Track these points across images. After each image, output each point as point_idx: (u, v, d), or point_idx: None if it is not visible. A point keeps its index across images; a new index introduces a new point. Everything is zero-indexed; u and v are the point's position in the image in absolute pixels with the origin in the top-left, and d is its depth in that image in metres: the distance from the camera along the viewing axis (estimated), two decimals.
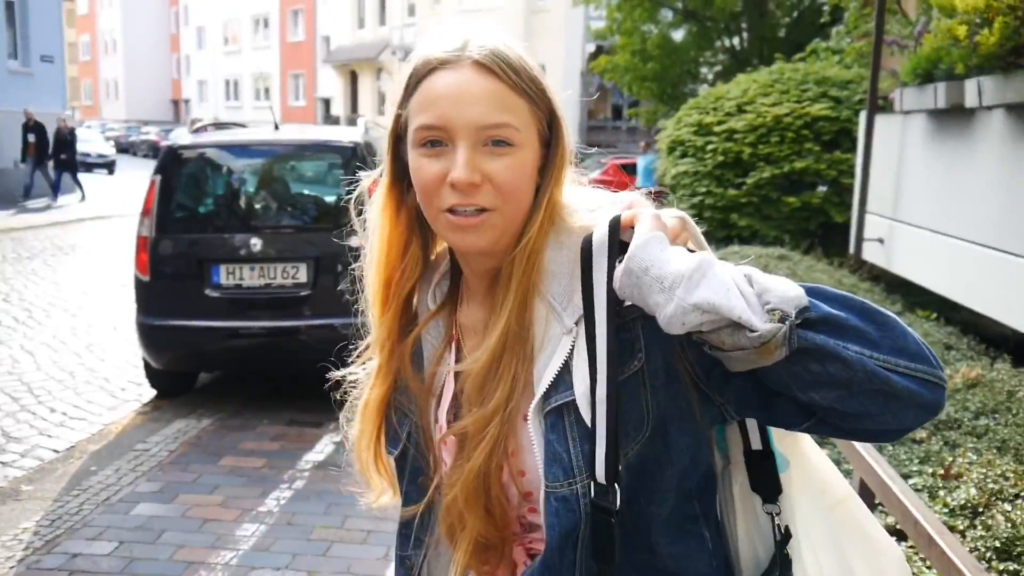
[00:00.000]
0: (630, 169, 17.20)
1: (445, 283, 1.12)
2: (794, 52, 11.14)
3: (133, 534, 3.64)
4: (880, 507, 2.56)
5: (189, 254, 5.19)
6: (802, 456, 1.09)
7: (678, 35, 15.43)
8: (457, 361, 1.09)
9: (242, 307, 5.16)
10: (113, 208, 17.24)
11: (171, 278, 5.23)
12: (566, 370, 0.97)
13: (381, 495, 1.21)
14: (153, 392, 5.67)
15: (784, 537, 1.05)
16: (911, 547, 2.47)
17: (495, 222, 0.98)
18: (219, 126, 6.69)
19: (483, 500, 1.03)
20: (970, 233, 5.30)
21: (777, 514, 1.06)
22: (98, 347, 6.83)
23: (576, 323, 0.97)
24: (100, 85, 60.36)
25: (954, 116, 5.40)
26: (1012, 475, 2.87)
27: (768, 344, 0.82)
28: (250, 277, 5.14)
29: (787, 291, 0.85)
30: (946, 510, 2.78)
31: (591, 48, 29.07)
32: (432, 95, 0.97)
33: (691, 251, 0.92)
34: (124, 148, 40.36)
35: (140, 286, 5.26)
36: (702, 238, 0.98)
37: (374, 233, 1.10)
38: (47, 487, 4.19)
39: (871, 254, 6.97)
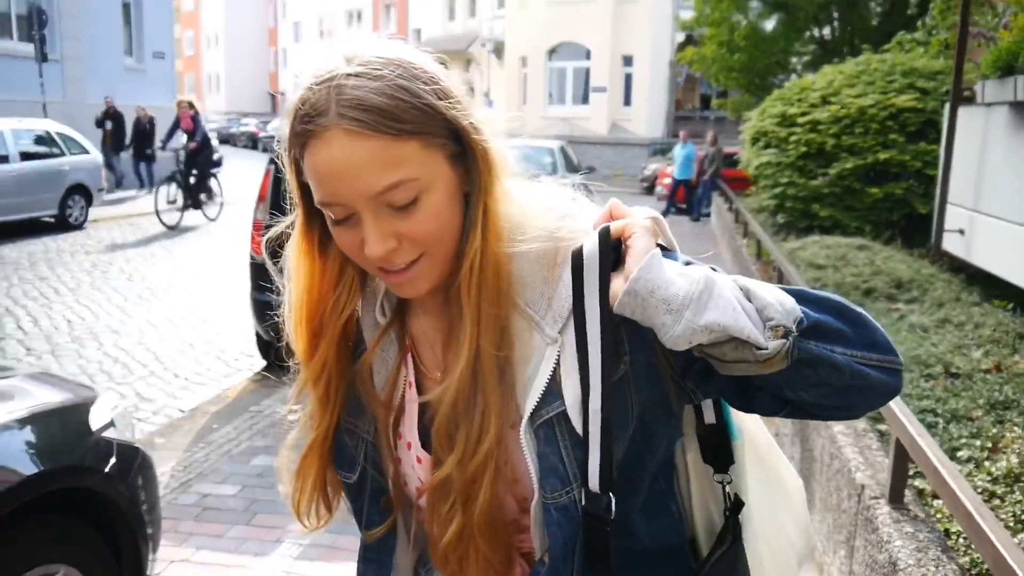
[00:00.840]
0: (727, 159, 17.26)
1: (392, 294, 1.05)
2: (885, 42, 11.09)
3: (253, 480, 4.15)
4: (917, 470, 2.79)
5: None
6: (745, 421, 1.13)
7: (768, 25, 15.41)
8: (416, 372, 1.07)
9: None
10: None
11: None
12: (553, 380, 0.95)
13: (317, 528, 1.14)
14: (263, 362, 6.23)
15: (735, 505, 1.08)
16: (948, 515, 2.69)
17: (426, 267, 0.94)
18: None
19: (495, 527, 1.01)
20: None
21: (728, 483, 1.08)
22: (213, 322, 7.47)
23: (560, 332, 0.96)
24: (203, 78, 62.97)
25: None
26: None
27: (772, 359, 0.85)
28: None
29: (783, 303, 0.87)
30: (989, 478, 3.00)
31: (680, 38, 28.98)
32: (316, 172, 0.90)
33: (663, 248, 0.94)
34: (225, 139, 42.07)
35: (255, 266, 5.81)
36: (671, 235, 0.98)
37: (294, 275, 1.03)
38: (176, 440, 4.75)
39: (951, 245, 7.02)
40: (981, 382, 3.90)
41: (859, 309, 0.93)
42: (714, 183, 15.48)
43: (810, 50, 14.97)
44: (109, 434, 2.39)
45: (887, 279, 6.37)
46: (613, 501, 0.94)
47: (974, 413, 3.68)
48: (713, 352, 0.87)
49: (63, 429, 2.26)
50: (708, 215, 16.14)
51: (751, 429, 1.14)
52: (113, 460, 2.36)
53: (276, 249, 1.07)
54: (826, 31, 14.74)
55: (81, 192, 13.07)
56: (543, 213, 0.99)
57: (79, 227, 12.83)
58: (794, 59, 15.73)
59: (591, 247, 0.92)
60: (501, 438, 0.97)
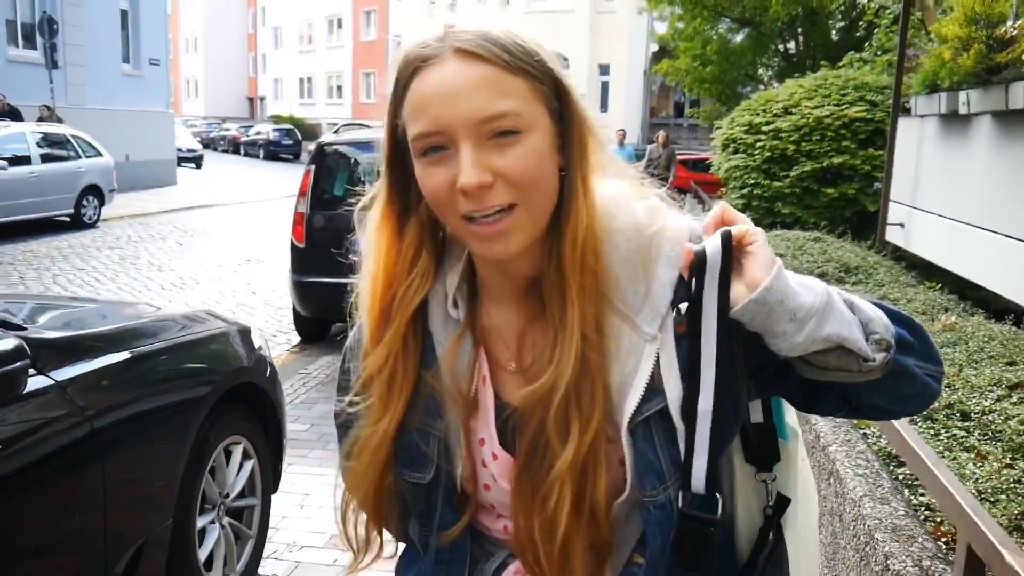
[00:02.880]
0: (690, 165, 18.25)
1: (464, 286, 1.02)
2: (843, 56, 12.21)
3: (319, 420, 5.08)
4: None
5: (337, 226, 6.64)
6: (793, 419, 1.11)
7: (738, 38, 16.53)
8: (491, 367, 1.02)
9: None
10: (211, 198, 19.12)
11: (321, 245, 6.68)
12: (652, 378, 0.92)
13: (374, 557, 1.11)
14: (298, 338, 7.15)
15: (778, 503, 1.05)
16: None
17: (521, 220, 0.90)
18: (352, 125, 8.12)
19: (596, 523, 0.96)
20: (965, 216, 6.43)
21: (772, 480, 1.05)
22: (245, 307, 8.36)
23: (660, 328, 0.93)
24: (181, 83, 63.36)
25: (953, 120, 6.55)
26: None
27: (874, 370, 0.88)
28: None
29: (881, 318, 0.91)
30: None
31: (654, 48, 30.17)
32: (421, 99, 0.89)
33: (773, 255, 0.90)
34: (205, 144, 42.63)
35: (296, 251, 6.74)
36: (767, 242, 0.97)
37: (372, 251, 1.00)
38: None
39: (893, 236, 8.10)
40: None
41: (919, 322, 0.97)
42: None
43: (776, 63, 16.13)
44: (263, 352, 3.33)
45: (837, 265, 7.41)
46: (720, 501, 0.92)
47: None
48: (817, 360, 0.88)
49: (241, 344, 3.18)
50: None
51: (798, 450, 1.11)
52: (269, 368, 3.31)
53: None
54: (791, 45, 15.90)
55: (95, 192, 13.85)
56: (632, 203, 0.97)
57: (93, 225, 13.62)
58: (762, 71, 16.87)
59: (714, 249, 0.89)
60: (598, 438, 0.93)
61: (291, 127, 41.38)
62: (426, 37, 0.91)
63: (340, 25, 49.72)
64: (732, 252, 0.89)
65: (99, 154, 14.13)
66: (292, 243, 6.77)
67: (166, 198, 18.56)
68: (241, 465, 3.11)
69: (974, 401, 3.65)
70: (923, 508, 3.20)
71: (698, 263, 0.90)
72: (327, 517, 3.78)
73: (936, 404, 3.71)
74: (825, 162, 9.38)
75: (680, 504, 0.93)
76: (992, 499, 3.06)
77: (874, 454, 3.34)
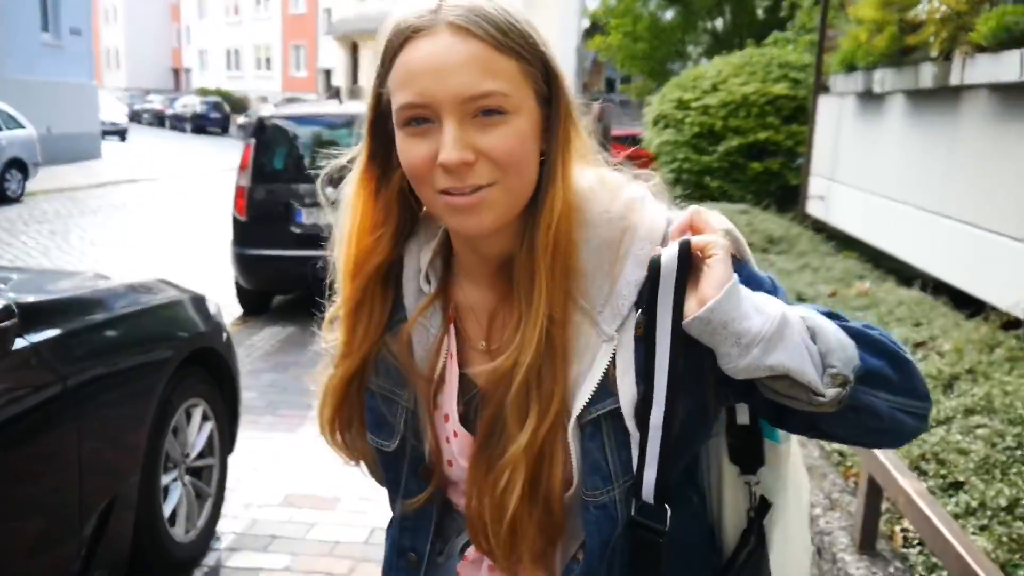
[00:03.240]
0: (625, 140, 18.56)
1: (438, 262, 1.03)
2: (769, 34, 12.61)
3: (266, 388, 5.20)
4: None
5: (278, 199, 6.70)
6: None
7: (667, 16, 16.86)
8: (459, 343, 1.03)
9: (320, 241, 6.67)
10: (139, 172, 18.74)
11: (262, 218, 6.73)
12: (606, 378, 0.92)
13: (352, 461, 1.16)
14: (240, 310, 7.20)
15: (760, 506, 1.05)
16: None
17: (496, 198, 0.89)
18: (291, 100, 8.15)
19: (549, 511, 0.97)
20: (879, 189, 6.84)
21: (755, 484, 1.05)
22: (185, 280, 8.32)
23: (617, 331, 0.92)
24: (101, 53, 61.14)
25: (869, 98, 6.93)
26: None
27: (824, 404, 0.85)
28: (325, 217, 6.66)
29: (845, 350, 0.86)
30: None
31: (586, 24, 30.40)
32: (409, 69, 0.88)
33: (734, 264, 0.89)
34: (130, 117, 41.45)
35: (237, 224, 6.77)
36: (746, 249, 0.96)
37: (348, 211, 1.02)
38: None
39: (814, 209, 8.51)
40: (821, 303, 5.28)
41: (908, 355, 0.92)
42: None
43: (704, 40, 16.52)
44: (218, 319, 3.45)
45: (762, 236, 7.78)
46: (669, 512, 0.92)
47: None
48: (767, 383, 0.86)
49: (198, 310, 3.29)
50: None
51: (790, 448, 1.10)
52: (225, 334, 3.43)
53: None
54: (719, 23, 16.30)
55: (18, 166, 13.48)
56: (610, 196, 0.96)
57: (17, 200, 13.27)
58: (691, 48, 17.24)
59: (669, 259, 0.88)
60: (554, 430, 0.93)
61: (219, 100, 40.45)
62: (419, 6, 0.89)
63: None
64: (689, 263, 0.88)
65: (21, 126, 13.75)
66: (234, 216, 6.80)
67: (92, 172, 18.10)
68: (201, 426, 3.24)
69: None
70: (836, 454, 3.53)
71: (653, 270, 0.89)
72: (279, 478, 3.94)
73: None
74: (751, 137, 9.77)
75: (632, 511, 0.93)
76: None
77: None
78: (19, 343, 2.20)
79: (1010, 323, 4.46)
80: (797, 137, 9.57)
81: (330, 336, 1.09)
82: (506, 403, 0.94)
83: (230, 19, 51.99)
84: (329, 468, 4.00)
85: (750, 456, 1.05)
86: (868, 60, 6.08)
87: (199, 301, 3.37)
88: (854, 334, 0.89)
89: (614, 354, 0.92)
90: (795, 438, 1.09)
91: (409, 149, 0.90)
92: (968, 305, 5.09)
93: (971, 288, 5.10)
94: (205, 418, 3.27)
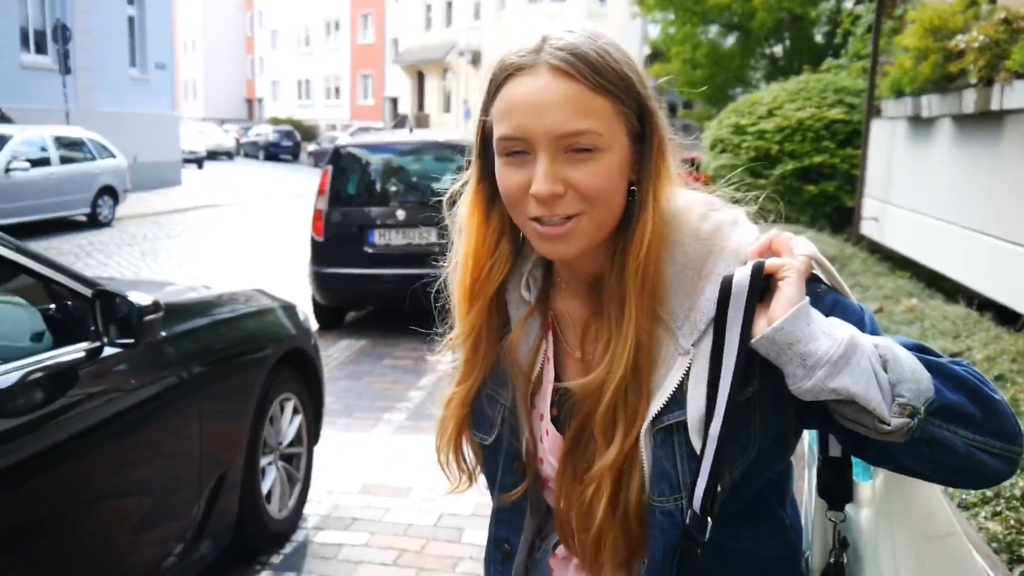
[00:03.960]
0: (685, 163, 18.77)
1: (537, 271, 1.09)
2: (828, 58, 12.80)
3: (343, 393, 5.65)
4: None
5: (352, 222, 7.21)
6: (901, 477, 1.04)
7: (728, 42, 17.12)
8: (556, 348, 1.09)
9: (390, 260, 7.16)
10: (217, 198, 19.73)
11: (338, 239, 7.24)
12: (679, 390, 0.95)
13: (460, 486, 1.20)
14: (316, 325, 7.70)
15: (841, 546, 1.06)
16: None
17: (584, 228, 0.95)
18: (363, 129, 8.71)
19: (637, 518, 1.00)
20: (929, 210, 7.01)
21: (841, 521, 1.06)
22: None
23: (694, 345, 0.95)
24: (179, 85, 63.77)
25: (918, 122, 7.13)
26: None
27: (890, 433, 0.85)
28: (396, 238, 7.15)
29: (919, 382, 0.86)
30: None
31: (647, 50, 30.77)
32: (510, 104, 0.94)
33: (820, 281, 0.94)
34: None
35: (315, 244, 7.30)
36: (836, 276, 0.98)
37: (463, 232, 1.08)
38: None
39: (868, 230, 8.68)
40: None
41: (996, 394, 0.90)
42: None
43: (763, 66, 16.73)
44: (307, 324, 3.90)
45: None
46: (710, 526, 0.93)
47: None
48: (834, 407, 0.87)
49: (290, 317, 3.74)
50: None
51: (930, 498, 1.06)
52: (313, 339, 3.88)
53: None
54: (778, 49, 16.50)
55: (109, 193, 14.40)
56: (700, 218, 1.00)
57: (108, 224, 14.17)
58: (750, 73, 17.45)
59: (741, 279, 0.91)
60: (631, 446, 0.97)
61: (290, 128, 41.91)
62: (523, 45, 0.95)
63: (337, 27, 50.28)
64: (759, 283, 0.90)
65: (112, 155, 14.69)
66: (312, 237, 7.33)
67: (174, 198, 19.11)
68: (292, 418, 3.68)
69: None
70: None
71: (724, 289, 0.92)
72: (356, 469, 4.36)
73: None
74: (806, 161, 9.97)
75: (687, 520, 0.95)
76: None
77: None
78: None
79: None
80: (852, 160, 9.74)
81: (449, 356, 1.16)
82: (595, 415, 0.99)
83: (301, 50, 53.81)
84: (402, 463, 4.43)
85: (838, 491, 1.06)
86: (914, 86, 6.32)
87: (291, 309, 3.83)
88: (934, 367, 0.89)
89: (689, 367, 0.95)
90: (938, 501, 1.07)
91: (505, 177, 0.97)
92: (1013, 321, 5.26)
93: (1012, 302, 5.29)
94: (295, 411, 3.71)
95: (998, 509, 2.97)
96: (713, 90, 16.56)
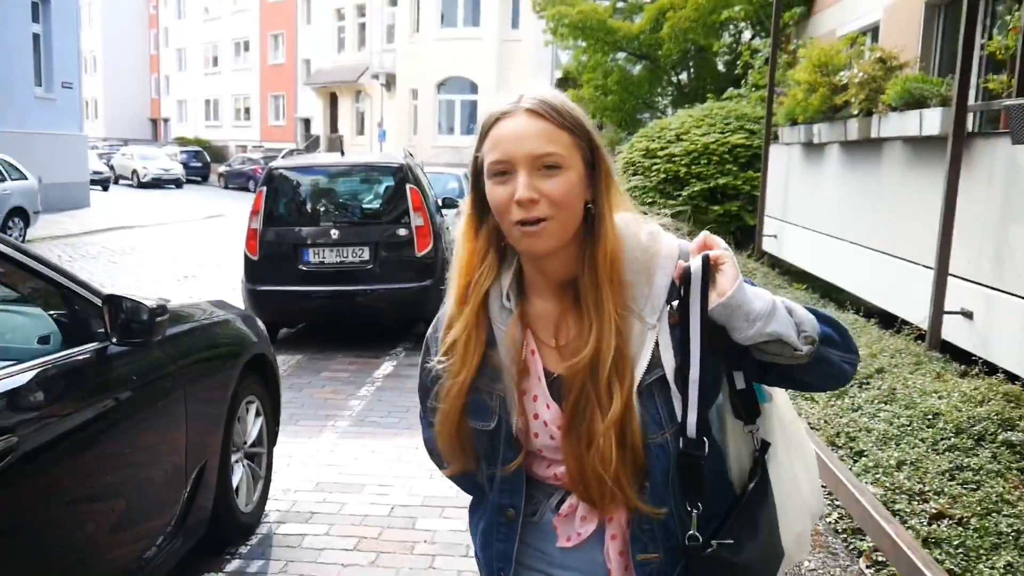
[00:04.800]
0: None
1: (514, 285, 1.36)
2: (731, 86, 13.65)
3: (287, 405, 5.85)
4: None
5: (286, 241, 7.46)
6: (775, 394, 1.48)
7: (636, 69, 17.93)
8: (537, 343, 1.36)
9: (324, 277, 7.44)
10: (128, 219, 19.43)
11: (272, 257, 7.47)
12: (654, 356, 1.28)
13: (456, 469, 1.47)
14: None
15: (763, 446, 1.41)
16: None
17: (553, 229, 1.25)
18: (295, 152, 8.95)
19: (634, 458, 1.30)
20: (822, 227, 7.73)
21: (756, 431, 1.41)
22: None
23: (657, 320, 1.28)
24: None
25: (811, 148, 7.87)
26: None
27: (802, 358, 1.23)
28: (330, 256, 7.44)
29: (810, 321, 1.25)
30: None
31: (558, 75, 31.63)
32: (498, 138, 1.26)
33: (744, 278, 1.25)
34: (111, 167, 41.87)
35: (249, 262, 7.51)
36: (735, 262, 1.28)
37: (458, 246, 1.37)
38: None
39: (768, 246, 9.41)
40: None
41: (843, 324, 1.31)
42: None
43: (670, 92, 17.61)
44: (264, 333, 4.20)
45: None
46: (707, 443, 1.28)
47: None
48: (761, 346, 1.23)
49: (250, 326, 4.03)
50: None
51: (779, 400, 1.48)
52: (271, 347, 4.18)
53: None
54: (683, 77, 17.41)
55: (20, 215, 14.11)
56: (637, 229, 1.33)
57: None
58: (658, 99, 18.32)
59: (696, 268, 1.24)
60: (628, 406, 1.27)
61: (199, 149, 41.14)
62: (506, 101, 1.29)
63: (247, 48, 49.56)
64: (709, 270, 1.24)
65: (24, 176, 14.40)
66: (246, 255, 7.53)
67: (84, 220, 18.72)
68: (255, 420, 3.97)
69: None
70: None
71: (686, 276, 1.25)
72: (309, 470, 4.65)
73: None
74: (712, 183, 10.70)
75: (681, 445, 1.28)
76: (818, 426, 4.18)
77: None
78: None
79: (921, 335, 5.30)
80: (753, 182, 10.50)
81: (441, 357, 1.40)
82: (591, 385, 1.28)
83: (209, 69, 52.86)
84: (352, 463, 4.75)
85: (749, 411, 1.40)
86: (806, 115, 7.02)
87: (251, 319, 4.13)
88: (810, 311, 1.29)
89: (657, 337, 1.28)
90: (793, 412, 1.51)
91: (495, 192, 1.27)
92: (894, 324, 5.93)
93: (893, 308, 5.96)
94: (258, 413, 4.00)
95: (878, 477, 3.51)
96: (623, 115, 17.32)
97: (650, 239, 1.32)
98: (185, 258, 13.50)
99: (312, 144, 36.70)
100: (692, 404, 1.27)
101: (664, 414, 1.29)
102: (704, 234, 1.32)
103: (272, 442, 4.19)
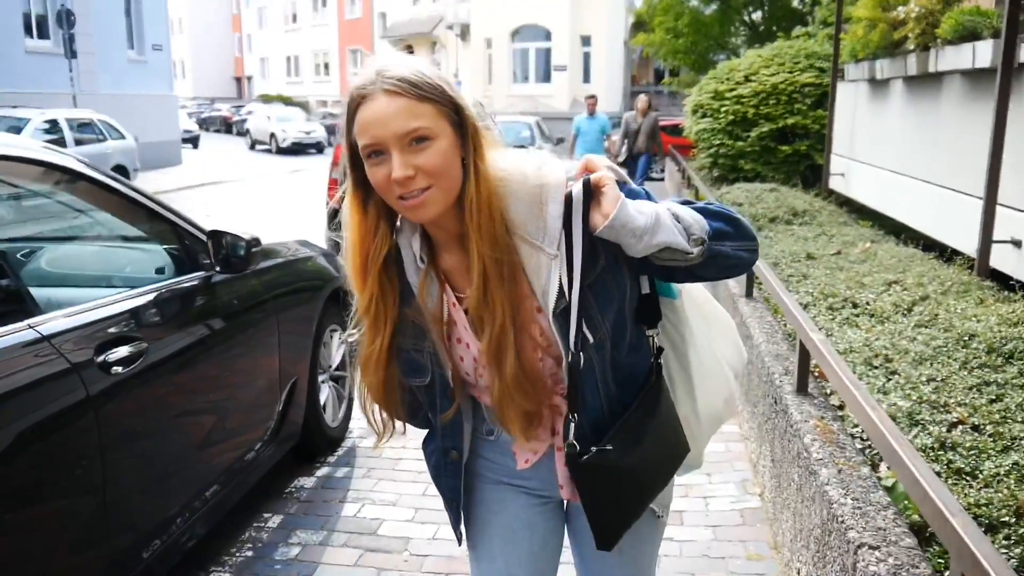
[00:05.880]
0: (668, 130, 19.35)
1: (424, 245, 1.43)
2: (803, 24, 13.47)
3: None
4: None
5: None
6: (686, 287, 1.62)
7: (709, 10, 17.72)
8: (455, 294, 1.45)
9: None
10: (218, 175, 20.38)
11: None
12: (561, 285, 1.36)
13: (390, 435, 1.57)
14: None
15: (658, 351, 1.53)
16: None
17: (434, 196, 1.30)
18: None
19: (528, 382, 1.42)
20: (886, 163, 7.76)
21: (656, 335, 1.53)
22: None
23: (558, 249, 1.35)
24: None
25: (875, 84, 7.86)
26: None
27: (693, 259, 1.33)
28: None
29: (698, 222, 1.34)
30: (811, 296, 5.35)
31: (631, 19, 31.24)
32: (364, 123, 1.28)
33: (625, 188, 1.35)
34: (200, 123, 43.39)
35: (331, 210, 8.02)
36: (621, 172, 1.39)
37: (347, 226, 1.41)
38: None
39: (836, 184, 9.43)
40: (826, 259, 6.29)
41: (737, 215, 1.42)
42: (651, 158, 13.97)
43: (743, 32, 17.38)
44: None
45: (787, 210, 8.73)
46: (582, 359, 1.40)
47: (813, 271, 6.07)
48: (656, 255, 1.31)
49: (332, 262, 4.48)
50: (662, 179, 18.43)
51: (690, 288, 1.63)
52: None
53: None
54: (757, 16, 17.15)
55: (120, 172, 15.04)
56: (525, 166, 1.38)
57: None
58: (732, 40, 18.11)
59: (578, 192, 1.32)
60: (520, 321, 1.40)
61: (282, 106, 42.21)
62: (363, 79, 1.30)
63: (324, 3, 50.31)
64: (590, 192, 1.31)
65: (122, 136, 15.31)
66: (327, 204, 8.06)
67: (178, 176, 19.73)
68: (338, 347, 4.44)
69: (862, 296, 5.01)
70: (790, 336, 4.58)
71: (567, 201, 1.34)
72: None
73: (836, 298, 5.06)
74: (781, 123, 10.70)
75: (568, 360, 1.40)
76: (856, 350, 4.42)
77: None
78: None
79: (972, 265, 5.43)
80: (822, 120, 10.46)
81: (355, 332, 1.49)
82: (489, 318, 1.38)
83: (288, 27, 53.89)
84: None
85: (651, 315, 1.51)
86: (867, 52, 7.05)
87: (331, 256, 4.58)
88: (700, 210, 1.38)
89: (561, 266, 1.35)
90: (704, 292, 1.67)
91: (373, 174, 1.31)
92: (953, 258, 6.03)
93: (949, 240, 6.07)
94: (341, 341, 4.47)
95: (908, 392, 3.76)
96: (696, 57, 17.21)
97: (538, 173, 1.37)
98: (273, 209, 14.21)
99: None
100: (572, 322, 1.37)
101: (575, 333, 1.40)
102: (587, 157, 1.40)
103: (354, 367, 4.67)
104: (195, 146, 31.23)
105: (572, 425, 1.44)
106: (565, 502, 1.68)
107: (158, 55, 22.68)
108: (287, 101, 45.42)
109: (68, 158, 2.76)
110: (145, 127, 20.60)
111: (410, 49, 43.01)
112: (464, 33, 34.89)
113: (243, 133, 41.14)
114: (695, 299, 1.65)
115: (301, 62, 53.41)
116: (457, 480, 1.61)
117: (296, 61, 54.00)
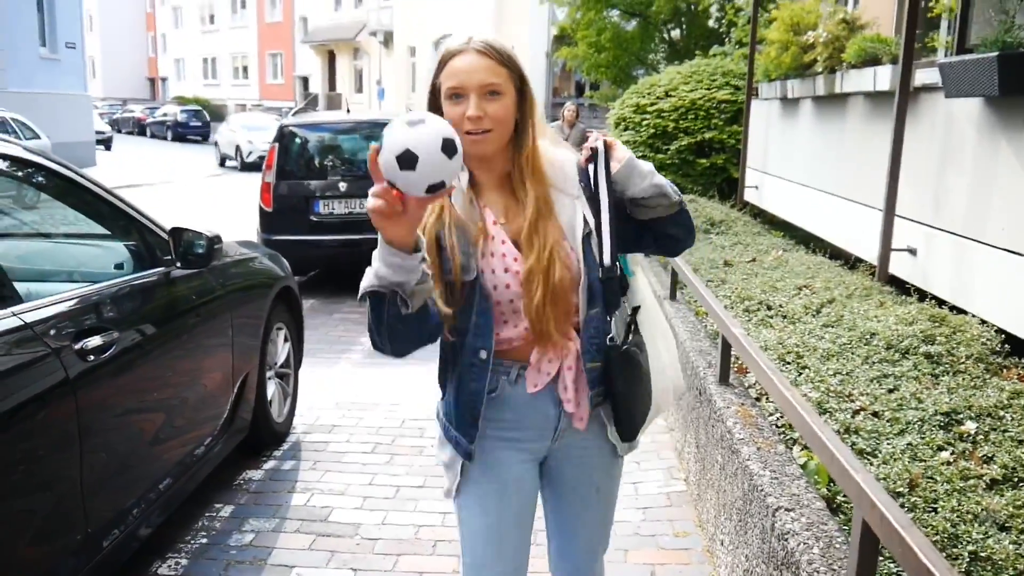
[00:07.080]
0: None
1: (470, 188, 1.75)
2: (720, 44, 14.07)
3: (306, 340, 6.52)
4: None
5: (298, 193, 8.03)
6: (638, 280, 1.91)
7: (630, 26, 18.26)
8: (493, 220, 1.75)
9: (334, 227, 8.02)
10: (134, 178, 19.91)
11: (285, 209, 8.05)
12: (584, 218, 1.72)
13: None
14: None
15: (635, 309, 1.84)
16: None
17: (492, 138, 1.64)
18: (303, 110, 9.49)
19: (563, 293, 1.71)
20: (796, 177, 8.28)
21: (625, 301, 1.85)
22: None
23: (577, 195, 1.73)
24: None
25: (786, 102, 8.39)
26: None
27: (674, 204, 1.73)
28: (338, 208, 8.02)
29: (668, 182, 1.75)
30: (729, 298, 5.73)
31: (554, 32, 31.77)
32: (453, 70, 1.63)
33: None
34: (112, 125, 42.12)
35: (264, 214, 8.09)
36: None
37: None
38: None
39: (751, 196, 9.96)
40: (742, 266, 6.70)
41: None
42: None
43: (663, 49, 17.99)
44: (288, 269, 4.79)
45: (705, 220, 9.18)
46: (618, 268, 1.74)
47: (731, 277, 6.47)
48: (646, 201, 1.72)
49: (278, 262, 4.62)
50: None
51: (640, 285, 1.91)
52: (296, 277, 4.78)
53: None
54: (676, 33, 17.78)
55: None
56: (553, 144, 1.79)
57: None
58: (651, 56, 18.69)
59: (600, 147, 1.74)
60: (559, 243, 1.70)
61: (199, 108, 41.32)
62: (458, 42, 1.67)
63: (244, 5, 49.51)
64: (608, 149, 1.74)
65: (36, 136, 14.88)
66: (260, 207, 8.11)
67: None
68: (283, 344, 4.58)
69: (775, 299, 5.39)
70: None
71: (594, 154, 1.74)
72: (329, 392, 5.28)
73: (752, 301, 5.44)
74: (699, 137, 11.20)
75: (600, 275, 1.73)
76: (771, 347, 4.77)
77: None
78: None
79: (874, 272, 5.91)
80: (737, 136, 11.01)
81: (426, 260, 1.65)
82: (535, 239, 1.69)
83: (206, 27, 52.82)
84: (367, 387, 5.37)
85: (622, 283, 1.84)
86: (779, 72, 7.53)
87: (276, 256, 4.72)
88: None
89: (581, 205, 1.73)
90: (652, 297, 1.94)
91: (451, 110, 1.64)
92: (856, 266, 6.52)
93: (853, 249, 6.56)
94: (286, 339, 4.61)
95: (816, 384, 4.13)
96: (617, 71, 17.73)
97: (560, 153, 1.80)
98: (193, 213, 14.04)
99: (311, 102, 36.87)
100: (607, 240, 1.72)
101: (596, 255, 1.74)
102: (595, 132, 1.85)
103: (297, 364, 4.82)
104: (108, 148, 30.35)
105: (612, 322, 1.77)
106: (544, 458, 1.90)
107: (71, 53, 22.05)
108: (204, 104, 44.47)
109: (36, 155, 2.86)
110: (57, 127, 19.94)
111: (332, 55, 42.85)
112: (387, 40, 34.93)
113: (156, 135, 40.19)
114: (643, 297, 1.91)
115: (219, 64, 52.39)
116: (481, 384, 1.76)
117: (213, 63, 52.94)
